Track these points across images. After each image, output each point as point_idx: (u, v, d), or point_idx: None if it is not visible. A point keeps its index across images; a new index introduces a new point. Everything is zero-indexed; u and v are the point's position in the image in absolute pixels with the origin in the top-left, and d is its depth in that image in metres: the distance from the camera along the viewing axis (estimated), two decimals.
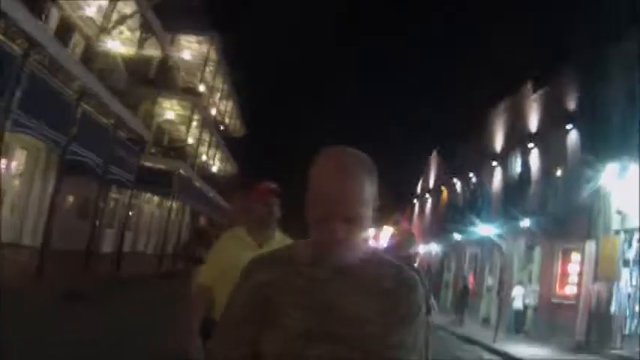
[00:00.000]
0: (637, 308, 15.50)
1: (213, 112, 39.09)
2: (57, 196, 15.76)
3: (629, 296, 15.94)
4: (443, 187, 38.08)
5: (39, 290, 12.68)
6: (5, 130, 11.88)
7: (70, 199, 21.46)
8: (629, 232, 16.00)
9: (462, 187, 33.62)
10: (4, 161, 16.14)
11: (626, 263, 16.16)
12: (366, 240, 1.75)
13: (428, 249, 37.79)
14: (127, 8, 19.42)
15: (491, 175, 28.34)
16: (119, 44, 20.61)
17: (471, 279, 26.31)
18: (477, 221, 25.87)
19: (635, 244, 15.85)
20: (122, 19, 19.27)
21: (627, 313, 15.91)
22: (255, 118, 51.38)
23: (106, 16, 18.51)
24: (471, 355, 16.35)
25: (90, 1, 18.77)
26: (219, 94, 39.95)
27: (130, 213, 25.20)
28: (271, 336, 1.61)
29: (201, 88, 33.86)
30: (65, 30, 18.20)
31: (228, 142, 45.56)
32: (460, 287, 25.44)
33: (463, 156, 33.97)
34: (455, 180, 34.82)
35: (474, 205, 29.12)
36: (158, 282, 21.61)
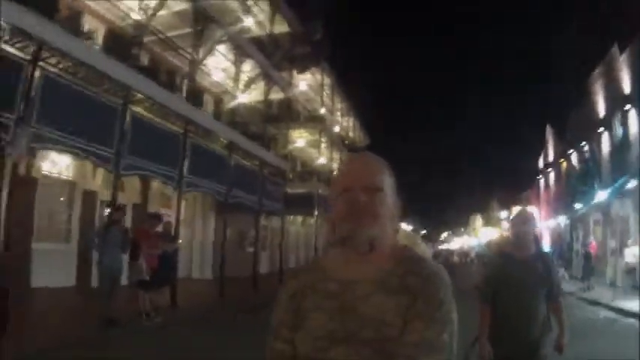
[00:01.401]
0: None
1: (337, 129, 41.81)
2: (219, 233, 19.21)
3: None
4: (562, 160, 38.61)
5: (226, 308, 15.87)
6: (182, 191, 15.54)
7: (230, 233, 24.93)
8: None
9: (578, 157, 34.24)
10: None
11: None
12: (394, 235, 1.80)
13: (557, 222, 38.40)
14: (251, 69, 22.63)
15: (599, 141, 29.11)
16: (246, 97, 23.70)
17: (593, 245, 26.98)
18: (594, 189, 26.78)
19: None
20: (249, 82, 22.61)
21: None
22: (377, 126, 53.61)
23: (234, 80, 21.90)
24: (592, 314, 16.73)
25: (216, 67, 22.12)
26: (339, 112, 42.76)
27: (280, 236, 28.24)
28: (300, 338, 1.75)
29: (322, 111, 36.65)
30: (196, 94, 21.27)
31: (354, 151, 48.20)
32: (582, 255, 26.20)
33: (573, 127, 34.56)
34: (571, 151, 35.44)
35: (589, 173, 29.83)
36: None
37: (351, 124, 48.05)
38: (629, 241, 22.42)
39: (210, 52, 19.20)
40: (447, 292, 1.70)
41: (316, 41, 27.39)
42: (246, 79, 23.01)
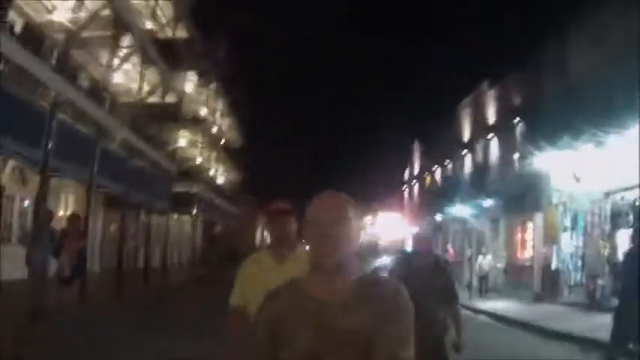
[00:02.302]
0: (579, 263, 19.37)
1: (214, 130, 42.65)
2: (107, 228, 19.83)
3: (571, 255, 19.88)
4: (427, 174, 42.14)
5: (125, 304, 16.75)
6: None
7: (115, 228, 25.32)
8: (564, 205, 19.93)
9: (441, 173, 37.74)
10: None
11: (565, 229, 20.19)
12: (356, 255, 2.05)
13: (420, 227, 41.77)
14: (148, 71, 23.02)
15: (462, 161, 32.47)
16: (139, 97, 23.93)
17: (450, 252, 30.22)
18: (454, 203, 29.95)
19: (568, 213, 19.80)
20: (146, 83, 23.02)
21: (571, 268, 19.90)
22: (252, 128, 54.60)
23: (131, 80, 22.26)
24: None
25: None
26: (218, 113, 43.60)
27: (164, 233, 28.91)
28: (288, 356, 1.93)
29: (203, 112, 37.33)
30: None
31: (230, 153, 49.23)
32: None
33: (439, 146, 37.92)
34: (435, 167, 38.95)
35: (450, 189, 33.08)
36: (194, 284, 25.97)
37: (228, 124, 48.99)
38: (483, 250, 25.61)
39: (117, 55, 19.57)
40: (408, 302, 1.99)
41: (219, 58, 28.46)
42: (143, 80, 23.34)
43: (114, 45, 18.69)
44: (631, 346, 9.25)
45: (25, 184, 16.52)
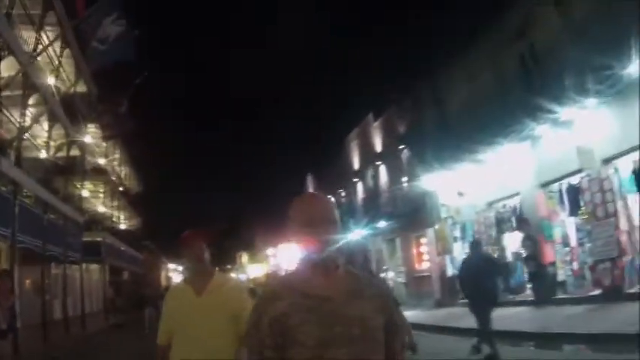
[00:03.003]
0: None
1: (114, 178, 42.43)
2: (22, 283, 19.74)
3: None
4: None
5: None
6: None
7: (30, 282, 24.99)
8: (452, 218, 21.90)
9: (335, 201, 39.49)
10: None
11: (455, 239, 22.15)
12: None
13: None
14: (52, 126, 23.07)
15: (355, 189, 34.40)
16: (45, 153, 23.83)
17: None
18: (349, 227, 31.57)
19: (457, 225, 21.76)
20: (50, 139, 23.06)
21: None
22: (149, 174, 54.51)
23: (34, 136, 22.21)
24: None
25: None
26: (116, 161, 43.44)
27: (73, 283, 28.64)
28: (295, 352, 1.98)
29: (101, 161, 37.20)
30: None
31: (129, 200, 48.91)
32: None
33: (333, 176, 39.69)
34: (330, 196, 40.62)
35: (344, 214, 34.76)
36: (112, 331, 26.03)
37: (126, 172, 48.73)
38: (384, 267, 27.34)
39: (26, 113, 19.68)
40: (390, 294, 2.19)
41: (121, 114, 28.86)
42: (46, 135, 23.38)
43: (24, 104, 18.89)
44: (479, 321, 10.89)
45: None
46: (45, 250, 19.75)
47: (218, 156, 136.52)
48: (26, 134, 19.90)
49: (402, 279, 26.69)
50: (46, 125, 22.21)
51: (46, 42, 20.45)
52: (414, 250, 26.14)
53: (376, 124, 30.40)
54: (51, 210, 21.79)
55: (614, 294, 13.14)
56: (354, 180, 34.24)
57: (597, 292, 13.93)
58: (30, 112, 20.29)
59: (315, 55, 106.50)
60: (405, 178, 25.95)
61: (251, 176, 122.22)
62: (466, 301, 12.12)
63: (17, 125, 18.70)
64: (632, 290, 12.93)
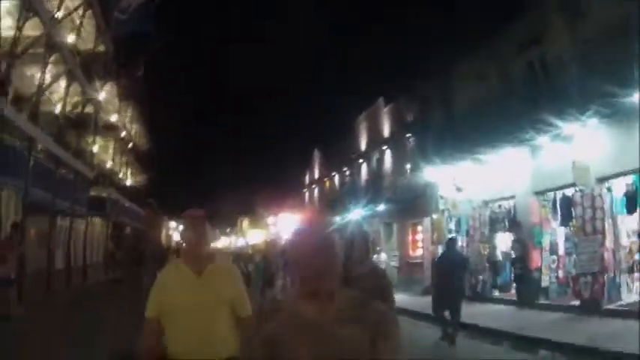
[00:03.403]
0: None
1: (123, 134, 42.85)
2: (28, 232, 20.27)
3: None
4: (325, 179, 44.35)
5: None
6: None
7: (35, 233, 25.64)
8: (448, 211, 22.32)
9: (339, 179, 39.99)
10: None
11: (450, 232, 22.63)
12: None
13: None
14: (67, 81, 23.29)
15: (359, 169, 34.77)
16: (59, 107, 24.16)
17: None
18: (350, 207, 32.07)
19: (453, 218, 22.22)
20: (65, 94, 23.35)
21: None
22: (159, 133, 54.89)
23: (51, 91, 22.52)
24: None
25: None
26: (127, 118, 43.81)
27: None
28: None
29: (113, 118, 37.59)
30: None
31: (138, 156, 49.40)
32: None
33: (338, 154, 40.06)
34: (333, 173, 41.16)
35: (348, 193, 35.26)
36: (110, 285, 26.80)
37: (135, 130, 49.12)
38: (378, 249, 27.87)
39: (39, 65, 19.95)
40: (396, 318, 2.16)
41: (137, 77, 29.23)
42: (63, 92, 23.69)
43: (44, 63, 19.21)
44: (447, 313, 12.71)
45: None
46: (54, 203, 20.25)
47: (227, 127, 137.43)
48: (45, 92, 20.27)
49: (395, 263, 27.21)
50: (63, 83, 22.51)
51: (70, 4, 20.66)
52: (410, 237, 26.64)
53: (386, 109, 30.65)
54: (62, 165, 22.24)
55: (592, 307, 13.63)
56: (360, 161, 34.55)
57: (577, 302, 14.40)
58: (49, 70, 20.55)
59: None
60: (408, 166, 26.31)
61: (260, 147, 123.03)
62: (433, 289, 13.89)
63: (36, 82, 19.03)
64: (610, 306, 13.44)
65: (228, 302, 3.70)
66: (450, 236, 17.41)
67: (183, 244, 3.89)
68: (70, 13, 20.50)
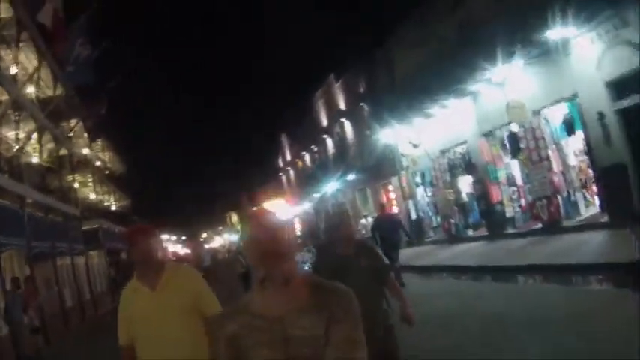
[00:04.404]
0: (434, 209, 22.89)
1: (98, 163, 43.01)
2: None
3: (428, 204, 23.40)
4: (297, 160, 45.13)
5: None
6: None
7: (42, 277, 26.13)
8: (412, 166, 23.17)
9: (309, 157, 40.82)
10: None
11: (417, 185, 23.65)
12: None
13: (302, 207, 44.77)
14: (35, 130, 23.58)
15: (325, 145, 35.60)
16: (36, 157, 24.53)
17: None
18: (326, 181, 32.96)
19: (417, 172, 23.18)
20: (38, 142, 23.68)
21: (430, 214, 23.42)
22: (129, 152, 55.23)
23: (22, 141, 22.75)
24: None
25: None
26: (99, 149, 43.98)
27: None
28: None
29: (85, 151, 37.66)
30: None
31: (116, 182, 49.61)
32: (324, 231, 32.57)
33: (304, 135, 40.81)
34: (303, 153, 41.95)
35: (319, 169, 36.11)
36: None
37: (108, 158, 49.27)
38: (365, 214, 28.82)
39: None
40: (356, 304, 1.95)
41: (100, 115, 29.61)
42: (33, 139, 23.98)
43: (16, 124, 19.71)
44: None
45: None
46: (54, 248, 20.87)
47: (194, 124, 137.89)
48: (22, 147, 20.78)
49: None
50: (34, 134, 22.91)
51: (24, 59, 21.09)
52: (384, 197, 27.57)
53: (338, 84, 31.40)
54: (52, 211, 22.74)
55: (552, 227, 14.66)
56: (323, 136, 35.34)
57: (539, 226, 15.45)
58: (21, 127, 21.01)
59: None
60: (367, 133, 27.11)
61: (228, 142, 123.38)
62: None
63: (12, 143, 19.54)
64: (569, 223, 14.50)
65: (193, 306, 3.52)
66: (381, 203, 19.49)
67: (134, 261, 3.54)
68: (30, 77, 20.90)
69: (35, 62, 22.38)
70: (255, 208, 2.13)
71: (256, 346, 1.90)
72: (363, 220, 27.78)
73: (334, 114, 32.38)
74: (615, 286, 9.18)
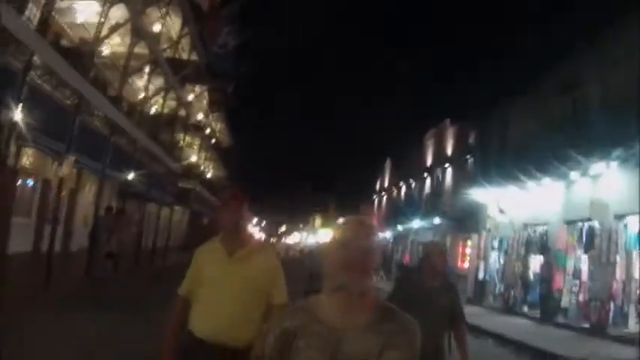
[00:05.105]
0: (501, 277, 23.57)
1: (208, 131, 46.09)
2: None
3: (497, 270, 24.09)
4: (393, 188, 46.51)
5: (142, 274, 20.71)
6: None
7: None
8: (494, 230, 24.02)
9: (405, 190, 42.08)
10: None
11: (493, 248, 24.40)
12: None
13: (384, 236, 45.99)
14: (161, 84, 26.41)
15: (423, 183, 36.79)
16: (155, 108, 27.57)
17: (407, 258, 34.43)
18: (413, 217, 34.13)
19: (497, 237, 23.94)
20: (158, 94, 26.59)
21: (496, 280, 24.10)
22: (241, 130, 58.45)
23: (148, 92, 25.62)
24: None
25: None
26: (211, 117, 47.16)
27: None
28: None
29: (200, 117, 40.79)
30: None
31: (219, 152, 52.79)
32: (398, 264, 33.64)
33: (407, 167, 42.09)
34: (401, 184, 43.29)
35: (411, 204, 37.33)
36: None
37: (219, 128, 52.52)
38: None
39: (139, 69, 22.92)
40: (418, 336, 1.94)
41: (226, 93, 32.57)
42: (156, 89, 26.57)
43: (148, 77, 22.44)
44: None
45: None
46: (148, 194, 23.60)
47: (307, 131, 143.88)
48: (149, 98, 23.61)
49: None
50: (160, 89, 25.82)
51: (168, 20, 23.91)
52: (460, 250, 28.46)
53: (450, 129, 32.56)
54: (156, 161, 25.50)
55: (598, 330, 15.28)
56: (424, 175, 36.56)
57: (587, 325, 16.08)
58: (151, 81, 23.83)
59: None
60: (464, 185, 28.02)
61: (337, 151, 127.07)
62: None
63: (142, 94, 22.33)
64: (614, 332, 15.06)
65: (259, 286, 3.59)
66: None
67: (221, 224, 3.68)
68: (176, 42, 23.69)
69: (178, 25, 25.23)
70: (355, 216, 2.05)
71: (307, 349, 1.92)
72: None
73: (440, 157, 33.52)
74: None
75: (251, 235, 3.81)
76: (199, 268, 3.67)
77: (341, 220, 2.04)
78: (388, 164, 51.17)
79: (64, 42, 17.40)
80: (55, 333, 8.97)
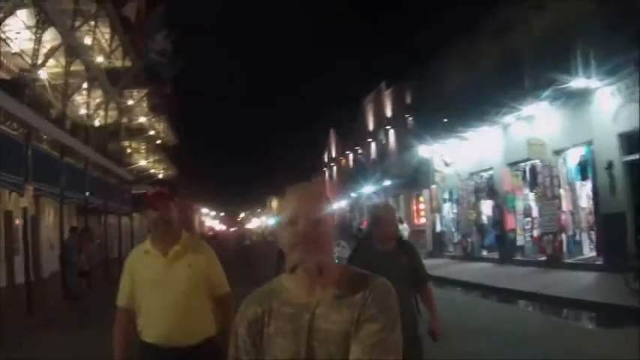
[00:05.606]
0: (456, 226, 24.28)
1: (152, 132, 45.43)
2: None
3: (451, 220, 24.78)
4: (341, 158, 46.97)
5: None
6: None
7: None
8: (442, 182, 24.62)
9: (353, 157, 42.58)
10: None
11: (444, 201, 25.09)
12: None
13: (340, 204, 46.48)
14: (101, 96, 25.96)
15: (368, 148, 37.28)
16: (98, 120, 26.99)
17: (363, 224, 34.98)
18: (365, 182, 34.60)
19: (446, 189, 24.61)
20: (100, 106, 26.16)
21: (452, 230, 24.81)
22: (185, 128, 57.79)
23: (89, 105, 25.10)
24: None
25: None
26: (153, 119, 46.51)
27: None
28: None
29: (142, 120, 40.05)
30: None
31: (167, 152, 52.13)
32: (357, 228, 34.22)
33: (351, 134, 42.48)
34: (348, 152, 43.76)
35: (360, 170, 37.80)
36: None
37: (162, 128, 51.76)
38: (401, 219, 30.17)
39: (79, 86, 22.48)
40: (394, 300, 1.72)
41: (165, 95, 32.07)
42: (97, 104, 26.17)
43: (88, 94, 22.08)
44: None
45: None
46: (106, 206, 23.35)
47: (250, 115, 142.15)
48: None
49: (404, 231, 29.66)
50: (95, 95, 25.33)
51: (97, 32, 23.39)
52: (414, 207, 29.13)
53: (387, 91, 32.99)
54: (108, 173, 25.14)
55: (554, 261, 16.04)
56: (368, 140, 37.03)
57: (543, 258, 16.86)
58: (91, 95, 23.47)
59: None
60: (408, 144, 28.59)
61: (279, 132, 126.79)
62: None
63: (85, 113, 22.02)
64: (570, 260, 15.86)
65: (200, 280, 3.49)
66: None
67: (149, 224, 3.52)
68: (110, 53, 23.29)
69: (107, 35, 24.76)
70: (297, 186, 1.82)
71: (278, 336, 1.75)
72: (400, 225, 29.21)
73: (381, 120, 33.98)
74: (597, 324, 10.36)
75: (181, 232, 3.56)
76: (133, 275, 3.51)
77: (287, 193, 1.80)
78: (332, 135, 51.51)
79: (2, 74, 17.18)
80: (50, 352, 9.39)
